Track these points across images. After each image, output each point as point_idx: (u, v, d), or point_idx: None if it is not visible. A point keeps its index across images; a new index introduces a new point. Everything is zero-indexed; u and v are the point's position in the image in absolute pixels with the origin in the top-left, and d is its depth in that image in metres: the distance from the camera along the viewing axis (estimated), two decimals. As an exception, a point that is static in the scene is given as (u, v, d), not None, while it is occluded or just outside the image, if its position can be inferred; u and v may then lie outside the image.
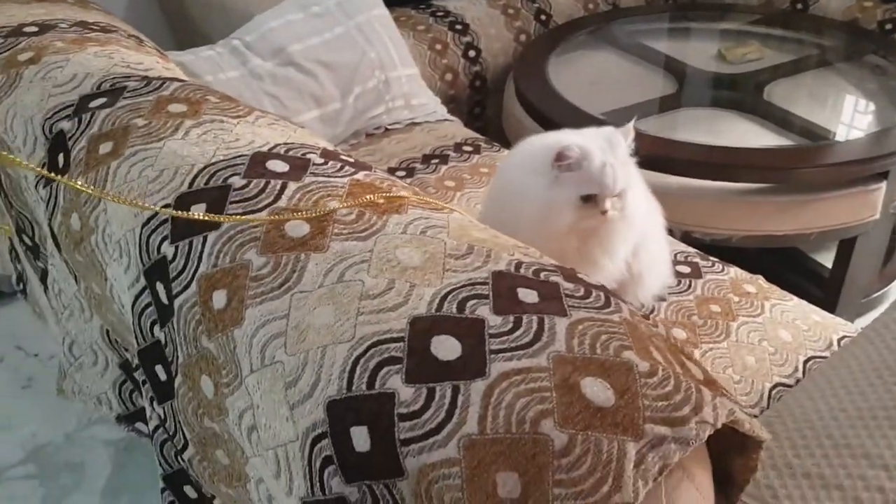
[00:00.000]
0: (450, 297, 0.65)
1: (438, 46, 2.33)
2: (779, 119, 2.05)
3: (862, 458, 0.84)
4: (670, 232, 1.87)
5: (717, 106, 2.16)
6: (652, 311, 1.30)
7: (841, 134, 1.91)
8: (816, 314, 1.34)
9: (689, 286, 1.37)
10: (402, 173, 1.69)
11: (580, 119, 1.97)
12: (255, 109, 0.93)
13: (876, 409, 0.90)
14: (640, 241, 1.21)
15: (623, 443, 0.58)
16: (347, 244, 0.69)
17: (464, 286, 0.66)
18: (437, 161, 1.73)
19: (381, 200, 0.76)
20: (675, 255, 1.45)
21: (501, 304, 0.65)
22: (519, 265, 0.72)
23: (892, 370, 0.95)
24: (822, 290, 2.09)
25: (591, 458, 0.56)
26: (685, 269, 1.41)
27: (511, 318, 0.64)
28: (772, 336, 1.27)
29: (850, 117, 2.16)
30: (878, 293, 2.15)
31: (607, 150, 1.08)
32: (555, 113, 2.01)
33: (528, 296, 0.70)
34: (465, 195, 1.60)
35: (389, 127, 1.89)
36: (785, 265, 2.23)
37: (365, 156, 1.78)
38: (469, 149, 1.79)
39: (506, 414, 0.57)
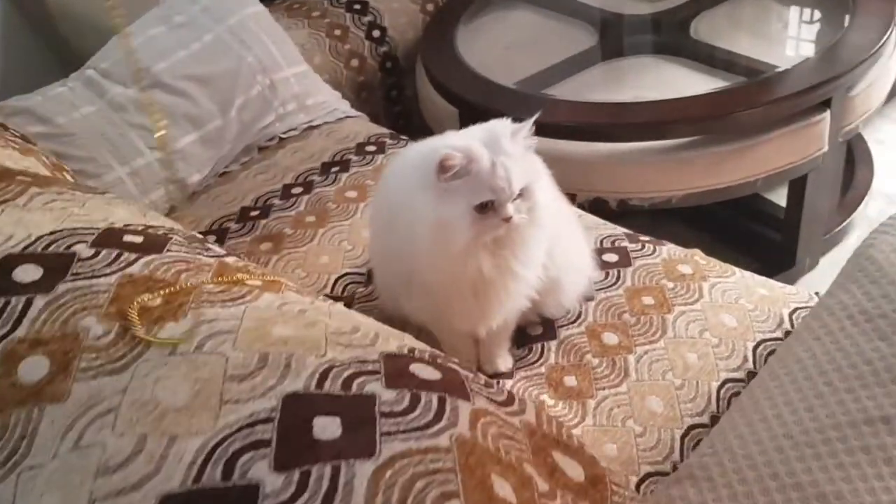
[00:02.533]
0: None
1: (338, 32, 2.13)
2: (707, 57, 1.89)
3: (815, 502, 0.70)
4: (605, 204, 1.73)
5: (640, 53, 1.99)
6: (578, 317, 1.15)
7: (776, 64, 1.75)
8: (763, 287, 1.20)
9: (619, 278, 1.21)
10: (300, 189, 1.52)
11: (494, 93, 1.80)
12: (34, 186, 0.76)
13: (827, 429, 0.76)
14: (552, 241, 1.05)
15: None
16: (95, 383, 0.53)
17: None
18: (337, 169, 1.56)
19: (158, 302, 0.60)
20: (601, 242, 1.30)
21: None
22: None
23: (843, 374, 0.81)
24: (780, 233, 1.96)
25: None
26: (612, 258, 1.26)
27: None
28: (714, 324, 1.12)
29: (783, 45, 2.00)
30: (841, 226, 2.01)
31: (495, 146, 0.91)
32: (466, 89, 1.84)
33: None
34: (369, 205, 1.44)
35: (284, 136, 1.71)
36: (738, 211, 2.09)
37: (258, 174, 1.60)
38: (372, 148, 1.62)
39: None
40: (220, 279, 0.70)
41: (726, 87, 1.73)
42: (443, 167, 0.89)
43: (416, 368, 0.63)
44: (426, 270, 0.98)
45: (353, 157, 1.59)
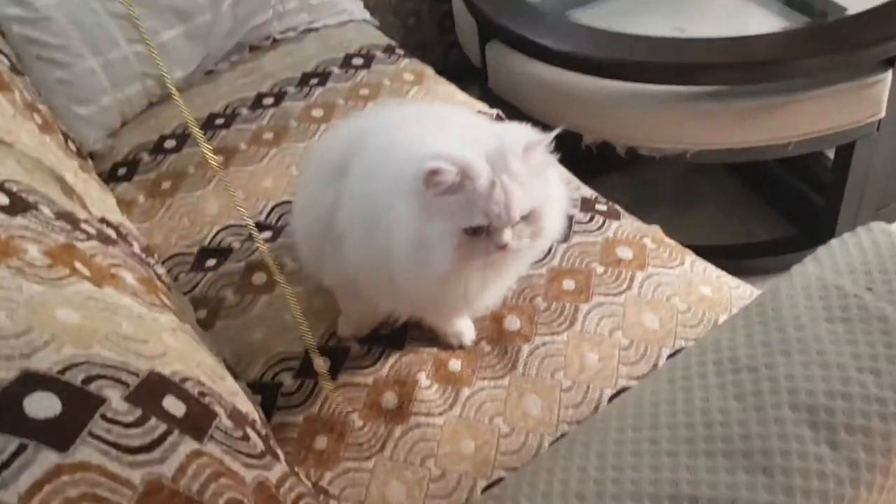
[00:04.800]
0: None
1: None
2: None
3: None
4: (612, 150, 1.57)
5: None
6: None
7: (830, 11, 1.49)
8: (709, 285, 1.06)
9: (549, 254, 1.10)
10: (271, 100, 1.46)
11: (512, 7, 1.63)
12: None
13: (625, 498, 0.66)
14: None
15: None
16: None
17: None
18: (315, 82, 1.48)
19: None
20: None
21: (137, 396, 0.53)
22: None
23: (675, 434, 0.70)
24: (823, 197, 1.74)
25: None
26: (553, 228, 1.14)
27: (139, 411, 0.52)
28: (631, 323, 1.01)
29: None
30: (900, 202, 1.77)
31: (500, 162, 0.75)
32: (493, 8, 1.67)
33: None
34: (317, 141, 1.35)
35: (280, 36, 1.63)
36: (789, 167, 1.86)
37: (241, 77, 1.54)
38: (359, 61, 1.52)
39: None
40: (51, 257, 0.66)
41: (772, 32, 1.50)
42: (430, 181, 0.74)
43: (169, 402, 0.58)
44: (406, 288, 0.84)
45: (336, 70, 1.50)
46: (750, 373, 0.72)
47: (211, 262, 1.19)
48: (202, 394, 0.60)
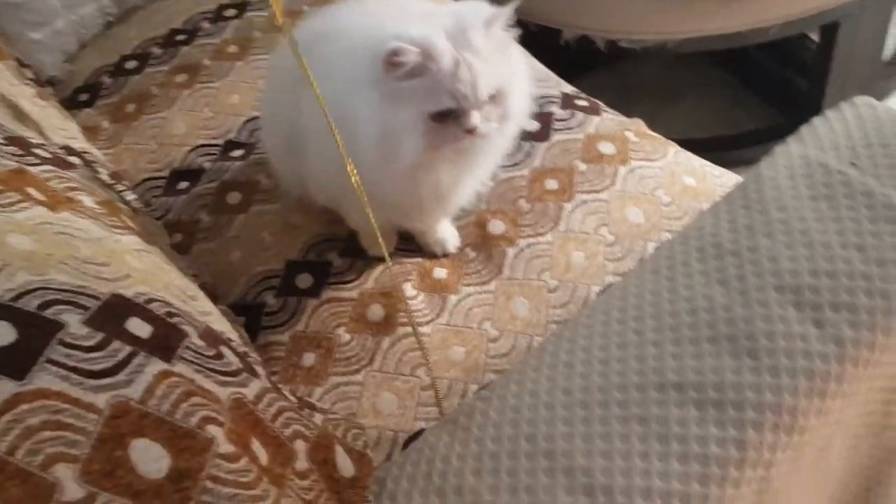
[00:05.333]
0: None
1: None
2: None
3: (561, 474, 0.62)
4: (592, 45, 1.52)
5: None
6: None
7: None
8: (693, 175, 1.04)
9: (528, 155, 1.07)
10: (233, 11, 1.39)
11: None
12: None
13: (612, 389, 0.66)
14: None
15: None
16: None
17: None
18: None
19: None
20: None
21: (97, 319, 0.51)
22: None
23: (660, 323, 0.69)
24: (807, 81, 1.70)
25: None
26: (531, 127, 1.10)
27: (101, 334, 0.51)
28: (616, 219, 0.99)
29: None
30: (890, 80, 1.73)
31: (462, 39, 0.72)
32: None
33: (137, 327, 0.54)
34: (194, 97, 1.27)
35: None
36: (772, 52, 1.81)
37: (150, 16, 1.46)
38: None
39: (10, 445, 0.43)
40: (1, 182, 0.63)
41: None
42: (390, 64, 0.71)
43: (133, 324, 0.56)
44: (370, 184, 0.79)
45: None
46: (733, 257, 0.71)
47: (183, 184, 1.16)
48: (170, 314, 0.58)
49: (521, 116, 0.82)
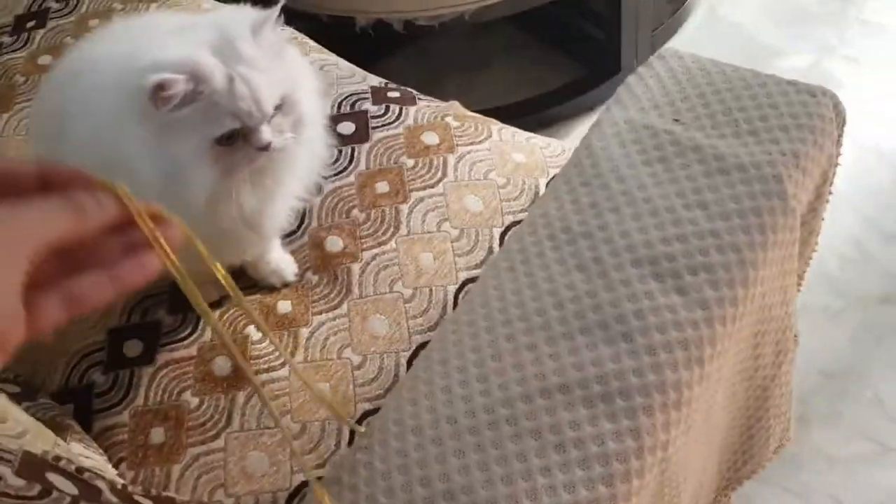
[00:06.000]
0: None
1: None
2: None
3: None
4: (389, 28, 1.47)
5: None
6: (301, 222, 0.96)
7: None
8: (520, 151, 1.01)
9: (352, 159, 1.01)
10: None
11: None
12: None
13: (497, 406, 0.62)
14: None
15: None
16: None
17: None
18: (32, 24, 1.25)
19: None
20: (339, 105, 1.08)
21: None
22: None
23: (529, 323, 0.66)
24: (603, 31, 1.74)
25: None
26: (348, 128, 1.04)
27: None
28: (455, 210, 0.95)
29: None
30: (673, 15, 1.80)
31: (230, 53, 0.65)
32: None
33: None
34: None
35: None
36: (569, 8, 1.84)
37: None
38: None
39: None
40: None
41: None
42: (159, 98, 0.62)
43: (52, 477, 0.51)
44: None
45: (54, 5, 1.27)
46: (585, 239, 0.69)
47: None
48: (78, 470, 0.48)
49: (315, 119, 0.75)
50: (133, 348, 0.88)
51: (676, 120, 0.75)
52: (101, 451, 0.80)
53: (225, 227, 0.75)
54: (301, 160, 0.79)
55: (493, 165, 0.99)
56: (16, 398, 0.81)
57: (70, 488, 0.53)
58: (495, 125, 1.06)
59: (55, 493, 0.50)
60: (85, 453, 0.75)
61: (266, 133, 0.67)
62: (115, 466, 0.80)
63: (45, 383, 0.88)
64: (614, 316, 0.64)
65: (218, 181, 0.68)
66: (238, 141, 0.67)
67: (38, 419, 0.76)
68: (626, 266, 0.66)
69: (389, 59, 1.66)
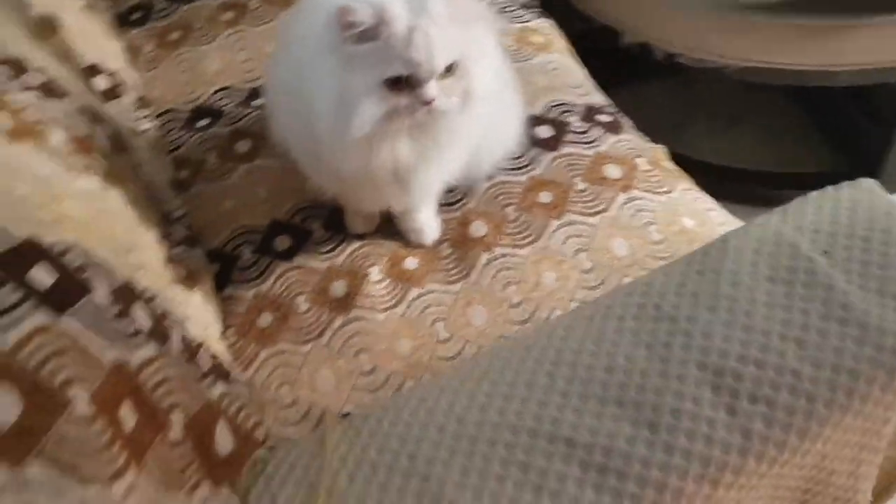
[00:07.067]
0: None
1: None
2: None
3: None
4: (651, 54, 1.46)
5: None
6: (460, 199, 1.02)
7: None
8: (693, 217, 1.00)
9: (531, 163, 1.05)
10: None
11: None
12: None
13: (503, 429, 0.65)
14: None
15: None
16: None
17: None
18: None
19: None
20: (550, 108, 1.12)
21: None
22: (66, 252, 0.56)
23: (573, 374, 0.68)
24: (880, 127, 1.60)
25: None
26: (545, 133, 1.08)
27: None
28: (599, 247, 0.96)
29: None
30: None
31: (420, 5, 0.72)
32: None
33: (39, 276, 0.56)
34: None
35: None
36: (847, 92, 1.71)
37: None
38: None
39: None
40: None
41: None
42: (343, 24, 0.71)
43: (37, 272, 0.58)
44: (331, 156, 0.81)
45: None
46: (669, 323, 0.69)
47: (203, 122, 1.18)
48: (82, 268, 0.60)
49: (484, 97, 0.79)
50: (282, 243, 1.00)
51: (826, 252, 0.71)
52: (218, 310, 0.93)
53: (375, 173, 0.82)
54: (464, 133, 0.83)
55: (658, 220, 0.99)
56: (186, 241, 0.97)
57: (146, 322, 0.65)
58: (684, 184, 1.04)
59: (129, 319, 0.62)
60: (201, 305, 0.88)
61: (432, 88, 0.73)
62: (224, 328, 0.93)
63: (207, 240, 1.02)
64: (652, 403, 0.64)
65: (380, 121, 0.75)
66: (405, 89, 0.74)
67: (185, 266, 0.90)
68: (689, 364, 0.65)
69: (644, 83, 1.66)
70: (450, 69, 0.74)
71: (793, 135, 1.77)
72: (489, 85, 0.79)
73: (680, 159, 1.10)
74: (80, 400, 0.52)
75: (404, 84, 0.73)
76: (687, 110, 1.76)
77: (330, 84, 0.74)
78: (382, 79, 0.72)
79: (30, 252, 0.57)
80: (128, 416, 0.56)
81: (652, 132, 1.13)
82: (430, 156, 0.83)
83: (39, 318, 0.53)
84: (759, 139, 1.77)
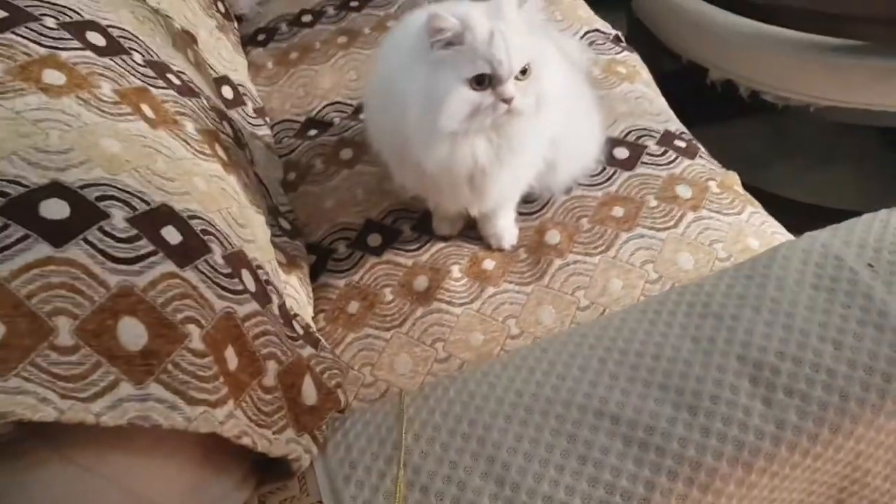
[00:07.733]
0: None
1: None
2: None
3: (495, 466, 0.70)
4: (735, 91, 1.51)
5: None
6: (540, 209, 1.10)
7: None
8: (758, 238, 1.05)
9: (609, 179, 1.12)
10: (356, 2, 1.53)
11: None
12: None
13: (556, 404, 0.73)
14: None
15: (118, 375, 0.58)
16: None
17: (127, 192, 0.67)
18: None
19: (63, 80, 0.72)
20: (627, 133, 1.19)
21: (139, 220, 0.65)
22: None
23: (625, 359, 0.74)
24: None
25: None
26: (622, 154, 1.15)
27: (134, 231, 0.64)
28: (666, 260, 1.02)
29: None
30: None
31: (497, 14, 0.83)
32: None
33: (169, 234, 0.68)
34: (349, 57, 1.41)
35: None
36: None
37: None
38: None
39: (29, 291, 0.56)
40: (121, 95, 0.78)
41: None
42: (432, 30, 0.82)
43: (167, 231, 0.68)
44: (417, 152, 0.90)
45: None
46: (714, 319, 0.74)
47: (312, 132, 1.31)
48: (205, 232, 0.72)
49: (555, 100, 0.88)
50: (374, 240, 1.11)
51: (871, 265, 0.75)
52: (311, 295, 1.04)
53: (454, 171, 0.91)
54: (535, 137, 0.92)
55: (724, 239, 1.04)
56: (289, 233, 1.08)
57: (252, 285, 0.76)
58: (753, 207, 1.09)
59: (238, 280, 0.73)
60: (297, 287, 0.99)
61: (511, 87, 0.83)
62: (315, 313, 1.04)
63: (309, 234, 1.14)
64: (693, 389, 0.70)
65: (465, 118, 0.85)
66: (487, 88, 0.84)
67: (286, 253, 1.02)
68: (730, 356, 0.71)
69: (733, 120, 1.70)
70: (524, 72, 0.84)
71: (883, 174, 1.77)
72: (558, 89, 0.88)
73: (767, 196, 1.14)
74: (196, 335, 0.63)
75: (486, 83, 0.84)
76: (774, 148, 1.79)
77: (420, 86, 0.85)
78: (467, 77, 0.83)
79: (163, 214, 0.69)
80: (231, 357, 0.67)
81: (738, 169, 1.17)
82: (504, 158, 0.92)
83: (168, 266, 0.64)
84: (848, 178, 1.77)
